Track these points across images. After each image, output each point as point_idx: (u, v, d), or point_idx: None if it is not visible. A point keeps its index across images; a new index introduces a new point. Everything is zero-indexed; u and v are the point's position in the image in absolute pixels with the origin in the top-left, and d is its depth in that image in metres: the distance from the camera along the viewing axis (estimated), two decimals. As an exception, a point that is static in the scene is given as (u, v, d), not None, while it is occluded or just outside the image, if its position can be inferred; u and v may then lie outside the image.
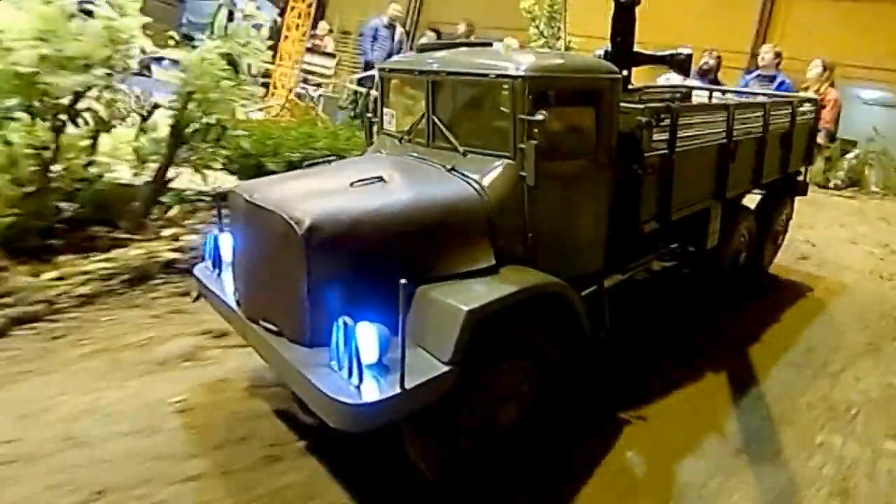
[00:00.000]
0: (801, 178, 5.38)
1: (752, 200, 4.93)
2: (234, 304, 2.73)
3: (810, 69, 7.74)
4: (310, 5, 10.83)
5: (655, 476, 2.81)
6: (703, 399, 3.38)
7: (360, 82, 10.19)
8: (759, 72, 7.94)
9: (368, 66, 10.18)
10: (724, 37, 10.51)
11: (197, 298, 3.32)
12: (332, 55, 12.07)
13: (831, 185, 8.85)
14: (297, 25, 10.84)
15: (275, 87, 10.72)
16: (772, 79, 7.63)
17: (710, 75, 7.71)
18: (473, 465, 2.51)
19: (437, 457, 2.43)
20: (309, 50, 11.38)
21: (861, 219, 7.22)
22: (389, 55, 9.96)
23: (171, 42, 4.50)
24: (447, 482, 2.49)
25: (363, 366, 2.12)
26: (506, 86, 2.65)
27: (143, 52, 3.71)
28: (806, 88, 7.61)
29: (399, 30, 10.93)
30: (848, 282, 5.27)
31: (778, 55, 7.74)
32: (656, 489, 2.73)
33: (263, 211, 2.42)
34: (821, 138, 7.07)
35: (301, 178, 2.85)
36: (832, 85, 7.78)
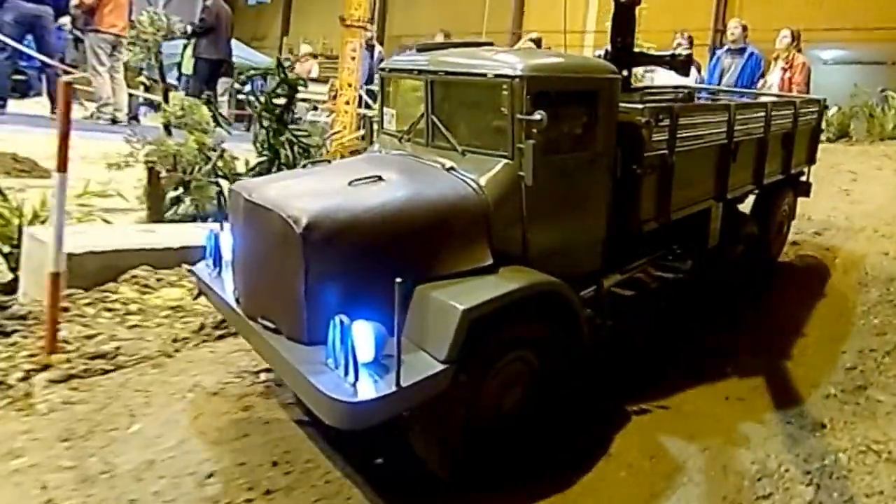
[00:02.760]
0: (804, 178, 5.37)
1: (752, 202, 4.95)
2: (233, 302, 2.74)
3: (780, 39, 8.12)
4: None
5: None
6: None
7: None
8: (729, 46, 8.37)
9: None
10: (687, 16, 11.66)
11: (197, 296, 3.35)
12: (324, 81, 12.12)
13: (823, 138, 9.42)
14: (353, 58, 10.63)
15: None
16: (742, 51, 8.10)
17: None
18: (483, 456, 2.53)
19: (446, 452, 2.44)
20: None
21: (868, 157, 8.24)
22: (370, 75, 10.11)
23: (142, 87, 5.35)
24: (459, 477, 2.50)
25: (359, 364, 2.13)
26: (504, 86, 2.66)
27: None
28: (776, 57, 8.03)
29: (378, 48, 11.05)
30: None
31: (745, 28, 8.24)
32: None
33: (262, 209, 2.44)
34: (792, 101, 7.59)
35: (300, 177, 2.87)
36: (799, 50, 8.17)
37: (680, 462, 2.81)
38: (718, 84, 8.31)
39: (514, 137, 2.66)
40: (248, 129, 14.35)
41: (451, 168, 2.75)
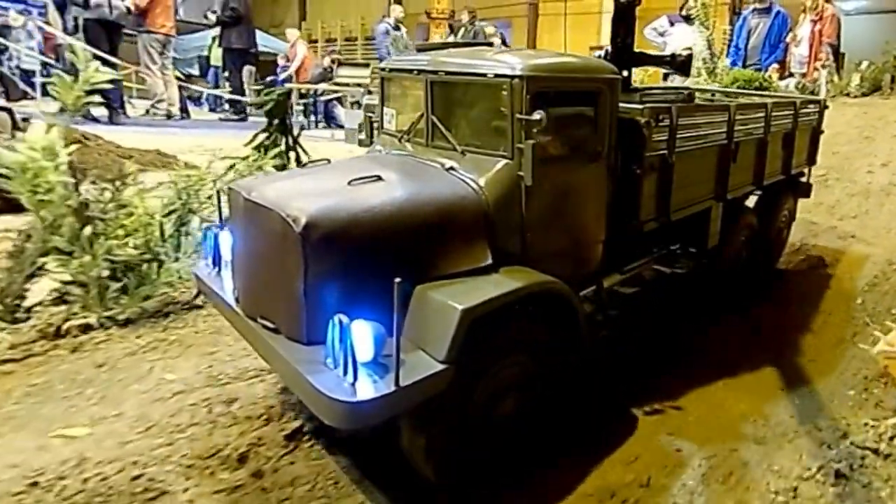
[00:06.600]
0: (804, 178, 5.37)
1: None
2: (232, 302, 2.74)
3: None
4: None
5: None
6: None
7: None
8: (755, 6, 8.48)
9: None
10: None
11: (197, 296, 3.34)
12: (364, 64, 12.22)
13: (857, 93, 9.56)
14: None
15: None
16: (768, 10, 8.24)
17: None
18: (474, 460, 2.52)
19: (437, 455, 2.44)
20: (340, 63, 11.51)
21: (908, 110, 9.39)
22: (405, 52, 10.27)
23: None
24: (448, 480, 2.49)
25: (358, 364, 2.13)
26: (504, 86, 2.65)
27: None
28: (804, 10, 7.98)
29: (403, 29, 11.19)
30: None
31: None
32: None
33: (261, 208, 2.43)
34: (823, 53, 7.88)
35: (299, 177, 2.86)
36: (828, 1, 8.21)
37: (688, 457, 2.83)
38: (746, 43, 8.34)
39: (514, 137, 2.65)
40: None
41: (451, 168, 2.75)
